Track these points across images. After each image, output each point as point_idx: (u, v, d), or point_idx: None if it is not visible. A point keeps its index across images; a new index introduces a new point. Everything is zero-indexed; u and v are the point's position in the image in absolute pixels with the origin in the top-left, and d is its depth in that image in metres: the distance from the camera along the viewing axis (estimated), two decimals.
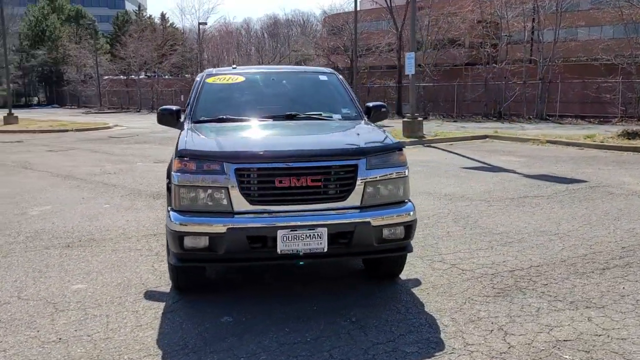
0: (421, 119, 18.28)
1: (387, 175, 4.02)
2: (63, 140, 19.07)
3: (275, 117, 4.93)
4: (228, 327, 3.75)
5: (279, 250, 3.75)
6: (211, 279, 4.73)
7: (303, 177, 3.79)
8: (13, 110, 26.63)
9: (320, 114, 5.08)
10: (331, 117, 5.11)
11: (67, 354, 3.35)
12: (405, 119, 18.11)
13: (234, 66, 5.78)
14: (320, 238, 3.78)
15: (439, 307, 4.08)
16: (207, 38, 56.77)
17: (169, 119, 5.04)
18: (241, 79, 5.40)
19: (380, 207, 4.00)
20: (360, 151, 3.97)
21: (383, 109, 5.41)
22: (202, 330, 3.69)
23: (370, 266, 4.76)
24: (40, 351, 3.38)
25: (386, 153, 4.08)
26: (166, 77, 51.02)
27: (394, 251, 4.20)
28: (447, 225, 6.53)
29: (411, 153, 14.22)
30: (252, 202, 3.77)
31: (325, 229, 3.78)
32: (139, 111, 43.75)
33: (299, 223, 3.76)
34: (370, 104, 5.42)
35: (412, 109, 17.94)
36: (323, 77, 5.62)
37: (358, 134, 4.41)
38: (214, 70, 5.61)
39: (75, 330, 3.67)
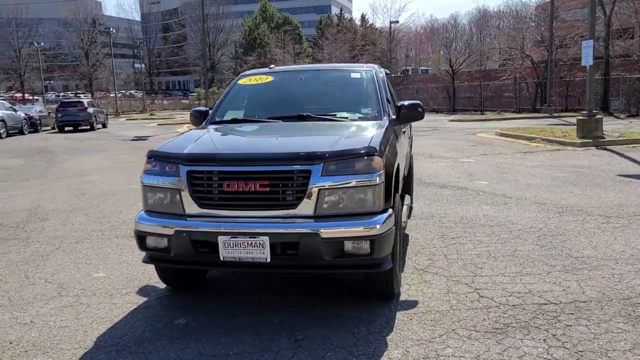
0: (600, 116, 15.92)
1: (348, 183, 3.61)
2: None
3: (285, 119, 4.81)
4: (173, 329, 3.78)
5: (221, 257, 3.66)
6: (207, 279, 4.80)
7: (251, 182, 3.62)
8: None
9: (335, 115, 4.81)
10: (347, 117, 4.80)
11: (21, 337, 3.71)
12: (580, 117, 15.97)
13: (272, 66, 5.77)
14: (263, 247, 3.59)
15: (405, 337, 3.56)
16: (401, 36, 56.97)
17: (198, 120, 5.25)
18: (269, 79, 5.38)
19: (340, 217, 3.63)
20: (315, 155, 3.64)
21: (419, 109, 4.92)
22: (147, 330, 3.77)
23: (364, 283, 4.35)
24: (4, 331, 3.81)
25: (349, 159, 3.65)
26: None
27: (358, 268, 3.79)
28: (524, 242, 5.64)
29: (569, 156, 12.57)
30: (201, 206, 3.73)
31: (267, 237, 3.57)
32: None
33: (239, 230, 3.62)
34: (405, 103, 4.97)
35: (590, 105, 15.74)
36: (355, 75, 5.31)
37: (343, 137, 4.04)
38: (250, 72, 5.68)
39: (51, 316, 4.06)
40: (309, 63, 56.50)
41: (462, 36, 72.30)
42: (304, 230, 3.55)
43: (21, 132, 26.70)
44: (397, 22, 47.97)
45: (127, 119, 43.62)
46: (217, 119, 5.06)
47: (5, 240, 6.35)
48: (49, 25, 77.24)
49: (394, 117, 4.88)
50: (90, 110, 28.97)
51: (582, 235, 5.83)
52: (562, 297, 4.16)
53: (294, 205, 3.61)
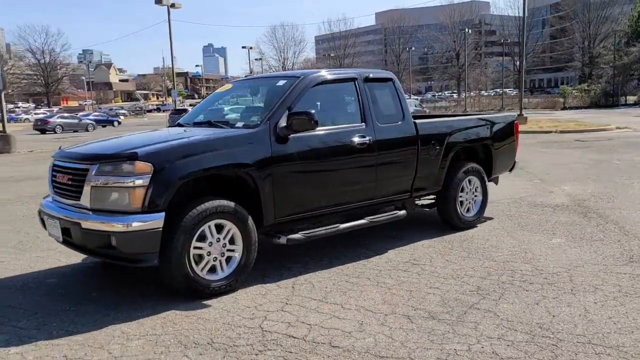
0: None
1: (111, 182, 4.17)
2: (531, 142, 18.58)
3: (200, 124, 5.51)
4: (35, 284, 4.89)
5: (48, 232, 4.66)
6: None
7: (64, 175, 4.57)
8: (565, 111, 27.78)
9: (228, 122, 5.31)
10: (235, 124, 5.16)
11: None
12: None
13: (247, 75, 6.22)
14: (57, 228, 4.46)
15: (108, 333, 3.84)
16: None
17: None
18: (229, 87, 5.98)
19: (107, 213, 4.18)
20: (93, 157, 4.39)
21: (301, 117, 4.73)
22: (22, 281, 5.00)
23: None
24: None
25: (116, 161, 4.23)
26: None
27: (120, 260, 4.27)
28: (476, 286, 4.61)
29: None
30: (53, 192, 4.80)
31: (58, 221, 4.42)
32: None
33: (48, 212, 4.60)
34: (297, 111, 4.82)
35: None
36: (280, 83, 5.27)
37: (158, 142, 4.52)
38: (233, 81, 6.31)
39: (9, 261, 5.68)
40: None
41: None
42: (72, 219, 4.30)
43: None
44: None
45: None
46: (179, 123, 5.93)
47: None
48: (427, 31, 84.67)
49: (283, 125, 4.78)
50: None
51: (580, 293, 4.35)
52: (339, 341, 3.61)
53: (78, 198, 4.35)
